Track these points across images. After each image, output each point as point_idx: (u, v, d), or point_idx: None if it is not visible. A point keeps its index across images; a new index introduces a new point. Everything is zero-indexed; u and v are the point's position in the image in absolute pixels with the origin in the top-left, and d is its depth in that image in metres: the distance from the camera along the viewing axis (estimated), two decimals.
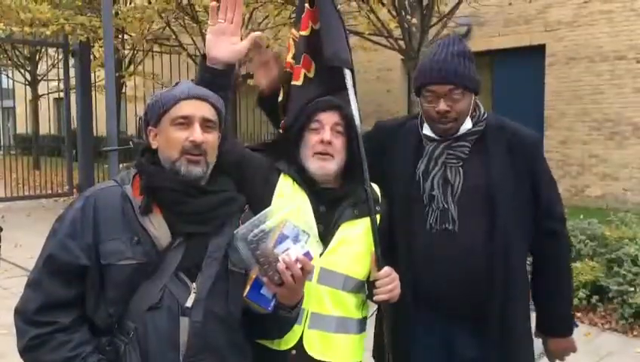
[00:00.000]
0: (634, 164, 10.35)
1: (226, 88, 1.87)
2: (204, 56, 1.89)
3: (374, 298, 1.92)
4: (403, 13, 7.97)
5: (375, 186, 2.06)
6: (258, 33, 1.99)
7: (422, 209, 2.07)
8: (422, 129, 2.15)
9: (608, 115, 10.51)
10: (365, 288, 2.03)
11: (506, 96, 11.33)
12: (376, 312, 2.14)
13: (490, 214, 2.02)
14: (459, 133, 2.07)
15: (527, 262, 2.22)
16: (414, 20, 7.94)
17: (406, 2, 8.05)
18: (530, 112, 10.74)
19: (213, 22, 1.88)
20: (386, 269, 1.90)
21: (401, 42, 8.42)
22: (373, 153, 2.09)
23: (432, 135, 2.11)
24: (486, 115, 2.12)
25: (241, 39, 1.91)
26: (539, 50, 11.27)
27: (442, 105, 2.01)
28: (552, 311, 2.20)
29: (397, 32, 8.58)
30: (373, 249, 1.92)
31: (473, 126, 2.09)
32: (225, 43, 1.86)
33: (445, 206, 2.04)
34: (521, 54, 11.52)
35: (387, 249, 2.01)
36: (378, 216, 1.99)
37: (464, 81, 2.01)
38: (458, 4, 8.61)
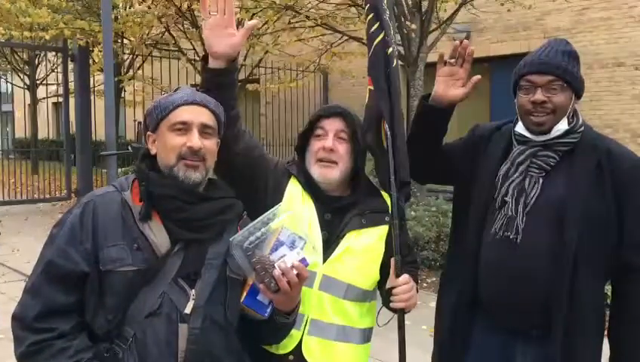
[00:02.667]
0: None
1: (232, 87, 1.87)
2: (204, 59, 1.87)
3: (391, 305, 1.91)
4: (402, 19, 7.98)
5: (386, 196, 2.06)
6: (254, 22, 1.96)
7: (494, 212, 2.01)
8: (515, 129, 2.06)
9: (607, 121, 10.52)
10: (369, 298, 2.01)
11: (505, 102, 11.31)
12: (395, 320, 2.05)
13: (559, 232, 1.90)
14: (551, 135, 1.96)
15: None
16: (413, 26, 7.95)
17: (405, 8, 8.07)
18: None
19: (205, 16, 1.82)
20: (405, 277, 1.89)
21: (400, 48, 8.44)
22: (465, 154, 2.13)
23: (524, 133, 2.01)
24: (583, 128, 2.00)
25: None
26: None
27: (539, 95, 1.93)
28: (625, 354, 1.99)
29: (396, 38, 8.60)
30: (394, 256, 1.91)
31: (568, 132, 1.96)
32: (223, 36, 1.81)
33: (514, 214, 1.96)
34: (520, 61, 11.53)
35: (453, 249, 2.11)
36: (387, 227, 1.99)
37: (565, 75, 1.93)
38: (457, 10, 8.63)
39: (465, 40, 2.09)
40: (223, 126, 1.77)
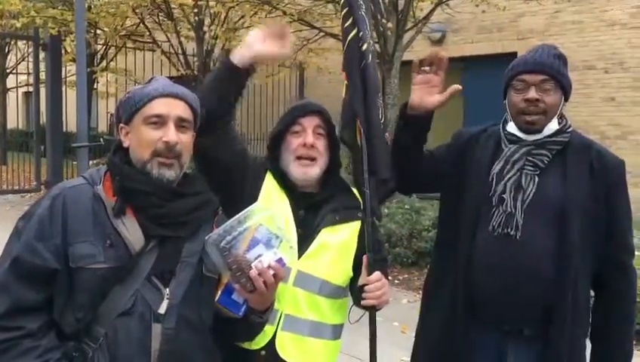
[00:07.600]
0: None
1: (243, 84, 1.90)
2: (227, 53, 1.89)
3: (362, 303, 1.90)
4: (379, 17, 8.00)
5: (356, 192, 2.05)
6: (287, 52, 1.94)
7: (488, 211, 2.01)
8: (504, 129, 2.09)
9: (577, 123, 10.60)
10: (343, 295, 2.01)
11: (478, 101, 11.43)
12: (366, 317, 2.04)
13: (559, 229, 1.93)
14: (543, 135, 1.99)
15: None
16: (390, 25, 7.98)
17: (382, 7, 8.09)
18: (501, 118, 10.85)
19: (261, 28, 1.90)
20: (377, 274, 1.88)
21: (376, 45, 8.46)
22: (451, 159, 2.13)
23: (516, 132, 2.03)
24: (571, 129, 2.04)
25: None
26: (511, 58, 11.02)
27: (532, 93, 1.96)
28: (612, 348, 2.04)
29: (372, 36, 8.62)
30: (366, 253, 1.91)
31: (558, 132, 2.00)
32: (274, 42, 1.86)
33: (512, 210, 1.96)
34: (494, 61, 11.63)
35: (442, 250, 2.08)
36: (359, 223, 1.99)
37: (558, 75, 1.98)
38: (433, 10, 8.69)
39: (440, 49, 2.10)
40: (200, 118, 1.71)
